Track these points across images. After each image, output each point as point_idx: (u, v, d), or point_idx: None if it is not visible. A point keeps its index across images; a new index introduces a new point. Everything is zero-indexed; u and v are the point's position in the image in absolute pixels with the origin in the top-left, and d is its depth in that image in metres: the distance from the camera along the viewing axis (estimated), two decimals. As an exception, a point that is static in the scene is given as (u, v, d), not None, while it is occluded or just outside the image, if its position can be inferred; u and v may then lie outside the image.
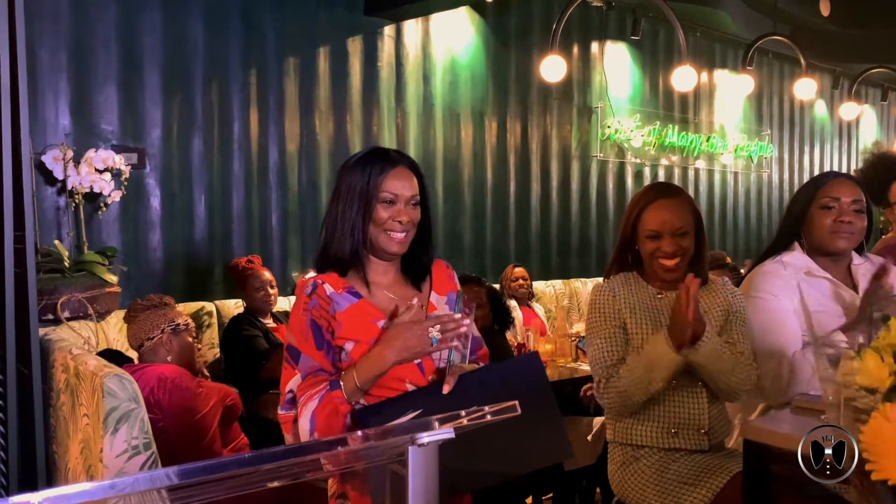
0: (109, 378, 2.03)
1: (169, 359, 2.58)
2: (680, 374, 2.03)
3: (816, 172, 8.25)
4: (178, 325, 2.62)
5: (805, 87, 6.17)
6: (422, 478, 1.02)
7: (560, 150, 5.92)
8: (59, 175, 3.37)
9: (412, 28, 4.97)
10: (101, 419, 2.02)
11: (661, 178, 6.71)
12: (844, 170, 8.72)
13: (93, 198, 3.53)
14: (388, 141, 4.85)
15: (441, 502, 1.03)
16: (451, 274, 1.80)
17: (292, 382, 1.57)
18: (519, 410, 1.06)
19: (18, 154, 2.37)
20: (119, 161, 3.48)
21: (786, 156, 8.11)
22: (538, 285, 5.33)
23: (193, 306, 3.88)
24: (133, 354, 2.76)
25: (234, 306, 3.99)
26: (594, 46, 6.11)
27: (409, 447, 0.99)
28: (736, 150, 7.35)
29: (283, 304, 4.01)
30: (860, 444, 1.01)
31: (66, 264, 3.21)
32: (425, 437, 0.99)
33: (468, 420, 1.02)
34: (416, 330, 1.52)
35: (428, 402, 1.48)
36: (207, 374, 3.06)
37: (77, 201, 3.42)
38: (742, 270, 5.56)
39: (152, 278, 3.90)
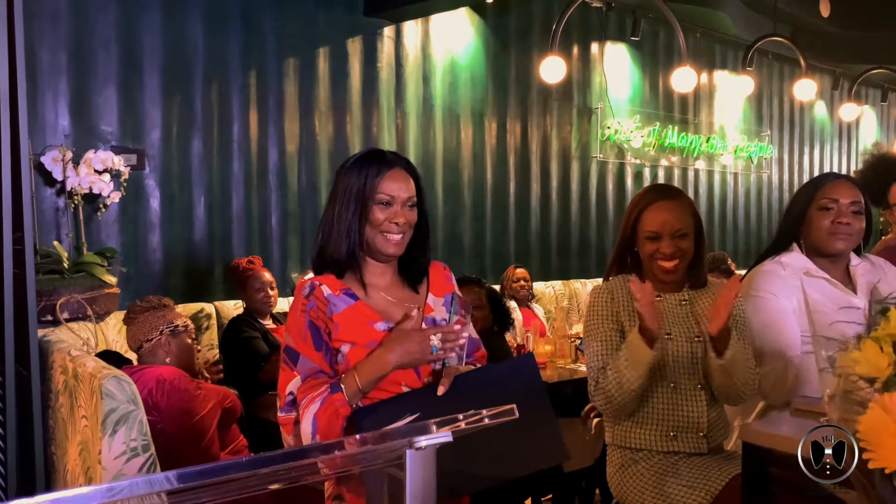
0: (108, 380, 2.03)
1: (168, 360, 2.57)
2: (678, 376, 2.03)
3: (816, 173, 8.27)
4: (177, 326, 2.62)
5: (805, 88, 6.17)
6: (419, 481, 1.02)
7: (560, 150, 5.92)
8: (58, 176, 3.37)
9: (412, 29, 4.97)
10: (99, 421, 2.02)
11: (661, 178, 6.71)
12: (844, 171, 8.72)
13: (92, 199, 3.53)
14: (387, 142, 4.85)
15: None
16: (448, 276, 1.80)
17: (292, 384, 1.57)
18: (517, 414, 1.06)
19: (17, 155, 2.37)
20: (118, 162, 3.48)
21: (786, 157, 8.11)
22: (538, 286, 5.33)
23: (192, 308, 3.88)
24: (132, 356, 2.75)
25: (233, 307, 3.99)
26: (594, 47, 6.11)
27: (407, 451, 1.00)
28: (736, 151, 7.35)
29: (283, 304, 4.00)
30: (857, 434, 1.02)
31: (66, 265, 3.21)
32: (423, 441, 0.99)
33: (466, 424, 1.02)
34: (417, 336, 1.53)
35: (423, 404, 1.48)
36: (207, 376, 3.06)
37: (76, 202, 3.42)
38: (739, 271, 5.56)
39: (151, 279, 3.90)
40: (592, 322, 2.12)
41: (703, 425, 2.04)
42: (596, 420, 3.08)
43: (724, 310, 1.85)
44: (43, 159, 3.36)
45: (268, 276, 3.82)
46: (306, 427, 1.52)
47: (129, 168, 3.61)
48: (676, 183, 6.82)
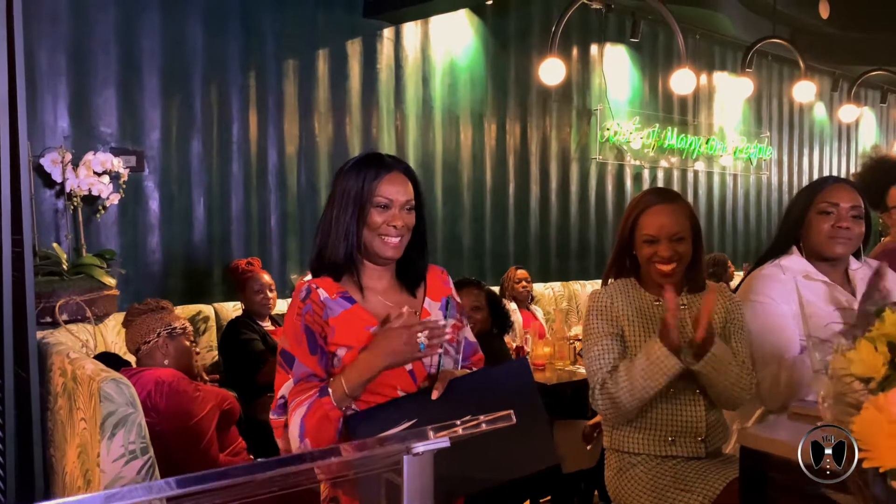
0: (107, 382, 2.03)
1: (166, 362, 2.57)
2: (678, 381, 2.03)
3: (816, 175, 8.29)
4: (175, 328, 2.62)
5: (804, 90, 6.17)
6: (417, 486, 1.02)
7: (559, 152, 5.92)
8: (57, 178, 3.37)
9: (411, 30, 4.97)
10: (98, 424, 2.02)
11: (661, 180, 6.71)
12: (843, 172, 8.73)
13: (91, 200, 3.53)
14: (387, 143, 4.85)
15: None
16: (445, 279, 1.80)
17: (284, 388, 1.58)
18: (514, 420, 1.06)
19: (17, 157, 2.37)
20: (117, 164, 3.48)
21: (785, 158, 8.11)
22: (537, 287, 5.33)
23: (191, 309, 3.88)
24: (131, 358, 2.75)
25: (232, 309, 3.99)
26: (593, 49, 6.12)
27: (405, 456, 1.00)
28: (735, 153, 7.36)
29: (282, 306, 4.00)
30: (852, 435, 1.02)
31: (65, 267, 3.21)
32: (421, 447, 0.99)
33: (463, 430, 1.02)
34: (403, 335, 1.50)
35: (418, 408, 1.49)
36: (207, 378, 3.06)
37: (75, 204, 3.42)
38: (738, 273, 5.56)
39: (151, 281, 3.90)
40: (592, 326, 2.12)
41: (702, 430, 2.04)
42: (595, 420, 3.08)
43: (704, 318, 1.86)
44: (42, 161, 3.36)
45: (267, 277, 3.83)
46: (293, 430, 1.53)
47: (128, 170, 3.61)
48: (676, 184, 6.83)
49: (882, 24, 6.98)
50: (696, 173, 7.03)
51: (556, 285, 5.68)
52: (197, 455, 2.40)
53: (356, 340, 1.59)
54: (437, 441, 1.00)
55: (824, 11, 6.92)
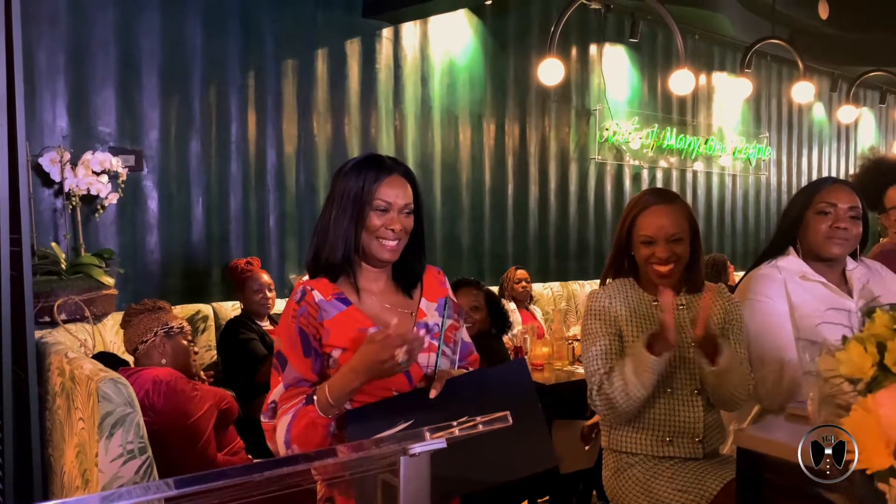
0: (105, 382, 2.03)
1: (163, 362, 2.57)
2: (675, 382, 2.03)
3: (814, 175, 8.29)
4: (172, 328, 2.62)
5: (803, 91, 6.17)
6: (414, 487, 1.03)
7: (558, 152, 5.92)
8: (56, 177, 3.37)
9: (410, 30, 4.97)
10: (96, 423, 2.02)
11: (660, 180, 6.72)
12: (842, 173, 8.74)
13: (90, 200, 3.53)
14: (385, 143, 4.85)
15: None
16: (442, 280, 1.80)
17: (276, 393, 1.59)
18: (511, 421, 1.06)
19: (15, 156, 2.37)
20: (116, 163, 3.48)
21: (784, 158, 8.12)
22: (536, 287, 5.33)
23: (190, 309, 3.88)
24: (130, 358, 2.76)
25: (231, 308, 4.00)
26: (592, 49, 6.12)
27: (402, 457, 1.00)
28: (734, 153, 7.36)
29: (281, 306, 4.01)
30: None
31: (63, 267, 3.21)
32: (417, 448, 1.00)
33: (460, 430, 1.02)
34: (381, 352, 1.46)
35: (414, 407, 1.49)
36: (205, 378, 3.06)
37: (74, 203, 3.42)
38: (737, 274, 5.56)
39: (149, 280, 3.90)
40: (590, 326, 2.12)
41: (699, 430, 2.04)
42: (594, 420, 3.09)
43: (701, 317, 1.86)
44: (41, 160, 3.36)
45: (266, 277, 3.83)
46: (279, 435, 1.55)
47: (126, 169, 3.60)
48: (675, 184, 6.83)
49: (881, 25, 6.98)
50: (695, 173, 7.04)
51: (555, 285, 5.69)
52: (195, 454, 2.40)
53: (351, 342, 1.59)
54: (434, 442, 1.01)
55: (823, 12, 6.92)
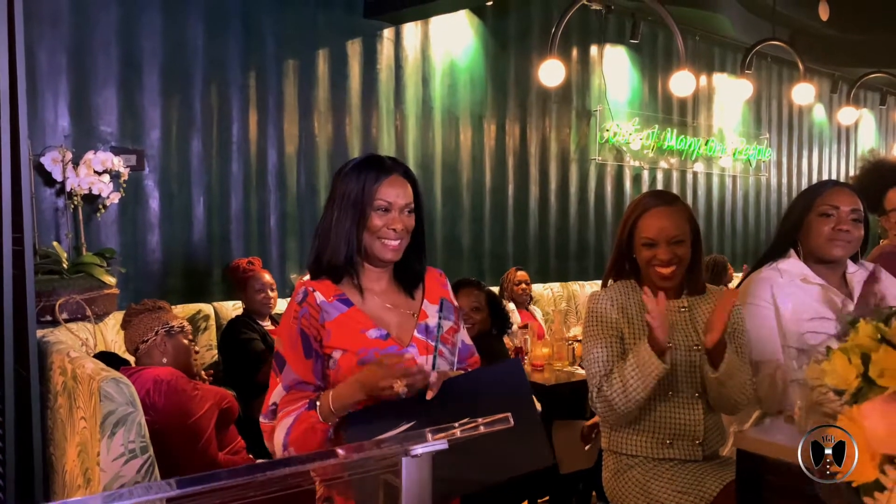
0: (107, 382, 2.03)
1: (164, 361, 2.58)
2: (676, 385, 2.03)
3: (815, 176, 8.29)
4: (172, 327, 2.63)
5: (803, 92, 6.17)
6: (415, 488, 1.03)
7: (559, 153, 5.93)
8: (57, 177, 3.37)
9: (411, 31, 4.98)
10: (98, 423, 2.02)
11: (660, 181, 6.72)
12: (842, 174, 8.75)
13: (91, 199, 3.54)
14: (386, 143, 4.85)
15: None
16: (444, 282, 1.81)
17: (276, 394, 1.60)
18: (511, 423, 1.07)
19: (17, 156, 2.38)
20: (118, 163, 3.49)
21: (784, 159, 8.12)
22: (536, 288, 5.34)
23: (191, 308, 3.89)
24: (131, 359, 2.76)
25: (232, 308, 4.00)
26: (593, 50, 6.12)
27: (403, 458, 1.01)
28: (734, 154, 7.37)
29: (282, 306, 4.01)
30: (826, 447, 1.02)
31: (65, 266, 3.22)
32: (419, 449, 1.00)
33: (461, 432, 1.03)
34: (384, 380, 1.47)
35: (412, 409, 1.50)
36: (206, 377, 3.06)
37: (76, 203, 3.43)
38: (736, 275, 5.56)
39: (150, 280, 3.91)
40: (592, 328, 2.12)
41: (700, 433, 2.04)
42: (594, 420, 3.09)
43: (719, 322, 1.87)
44: (43, 160, 3.36)
45: (268, 277, 3.83)
46: (278, 437, 1.56)
47: (128, 169, 3.61)
48: (675, 185, 6.84)
49: (882, 26, 6.99)
50: (695, 174, 7.04)
51: (555, 286, 5.69)
52: (196, 453, 2.41)
53: (351, 344, 1.60)
54: (435, 443, 1.01)
55: (824, 13, 6.93)
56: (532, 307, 5.02)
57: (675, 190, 6.75)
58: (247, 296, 3.79)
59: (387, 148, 4.84)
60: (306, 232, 4.47)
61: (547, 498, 3.52)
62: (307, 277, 1.70)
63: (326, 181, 4.52)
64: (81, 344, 2.95)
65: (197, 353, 2.81)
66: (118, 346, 3.20)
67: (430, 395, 1.54)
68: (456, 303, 1.82)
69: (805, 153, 8.40)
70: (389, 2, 4.63)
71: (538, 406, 2.97)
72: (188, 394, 2.44)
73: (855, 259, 2.30)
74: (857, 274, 2.26)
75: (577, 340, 4.05)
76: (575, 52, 5.97)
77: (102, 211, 3.60)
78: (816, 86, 7.16)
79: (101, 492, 2.00)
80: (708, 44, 6.96)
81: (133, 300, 3.34)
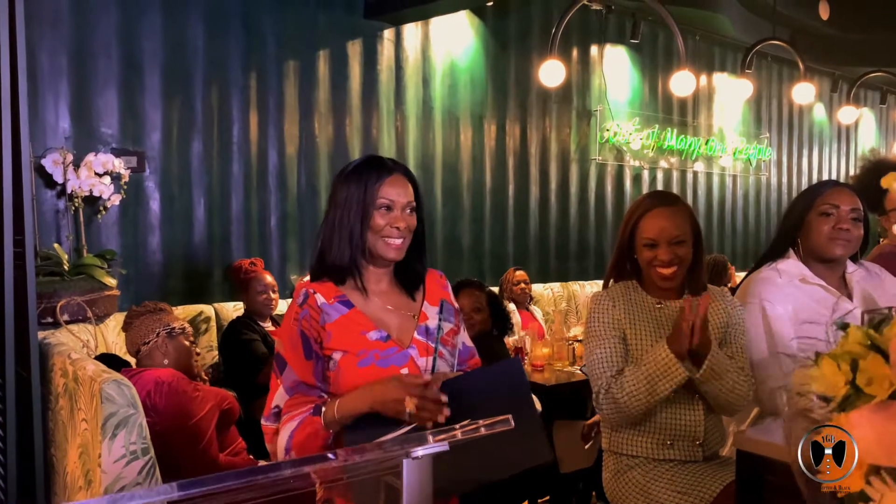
0: (108, 384, 2.04)
1: (165, 362, 2.58)
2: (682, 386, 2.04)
3: (815, 175, 8.29)
4: (174, 328, 2.63)
5: (803, 92, 6.17)
6: (416, 489, 1.04)
7: (559, 153, 5.93)
8: (58, 179, 3.38)
9: (412, 32, 4.98)
10: (99, 424, 2.03)
11: (660, 180, 6.72)
12: (842, 173, 8.75)
13: (92, 201, 3.54)
14: (387, 144, 4.86)
15: None
16: (444, 284, 1.81)
17: (278, 397, 1.61)
18: (512, 424, 1.07)
19: (18, 157, 2.38)
20: (118, 165, 3.49)
21: (784, 159, 8.12)
22: (536, 288, 5.34)
23: (192, 310, 3.89)
24: (132, 360, 2.77)
25: (233, 309, 4.00)
26: (593, 50, 6.13)
27: (404, 460, 1.01)
28: (735, 153, 7.37)
29: (283, 306, 4.02)
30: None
31: (66, 267, 3.22)
32: (420, 451, 1.01)
33: (462, 434, 1.04)
34: (396, 394, 1.48)
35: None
36: (206, 379, 3.07)
37: (76, 205, 3.43)
38: (737, 275, 5.56)
39: (151, 281, 3.91)
40: (594, 329, 2.13)
41: (700, 434, 2.05)
42: (591, 420, 3.10)
43: (697, 327, 1.87)
44: (44, 162, 3.37)
45: (270, 278, 3.84)
46: (281, 440, 1.57)
47: (129, 170, 3.61)
48: (675, 185, 6.84)
49: (882, 25, 6.99)
50: (695, 174, 7.05)
51: (556, 286, 5.70)
52: (197, 455, 2.41)
53: (351, 345, 1.60)
54: (436, 445, 1.02)
55: (824, 12, 6.93)
56: (532, 307, 5.02)
57: (675, 189, 6.76)
58: (248, 297, 3.80)
59: (387, 148, 4.84)
60: (307, 233, 4.48)
61: (547, 497, 3.52)
62: (307, 278, 1.71)
63: (327, 182, 4.53)
64: (82, 345, 2.96)
65: (198, 354, 2.81)
66: (119, 347, 3.21)
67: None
68: (456, 304, 1.82)
69: (805, 152, 8.40)
70: (390, 2, 4.63)
71: (538, 405, 2.98)
72: (189, 395, 2.44)
73: (854, 259, 2.30)
74: (856, 273, 2.27)
75: (578, 340, 4.06)
76: (575, 52, 5.97)
77: (103, 213, 3.61)
78: (816, 85, 7.16)
79: (102, 493, 2.00)
80: (708, 43, 6.97)
81: (134, 302, 3.35)
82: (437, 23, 5.08)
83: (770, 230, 7.66)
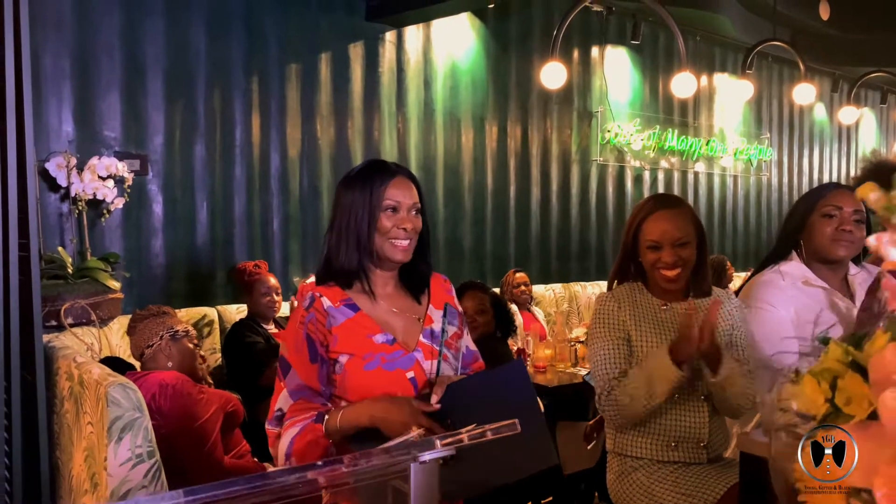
0: (114, 387, 2.05)
1: (170, 365, 2.59)
2: (681, 388, 2.04)
3: (816, 176, 8.30)
4: (177, 331, 2.64)
5: (804, 92, 6.17)
6: (423, 493, 1.04)
7: (560, 154, 5.94)
8: (62, 182, 3.38)
9: (413, 34, 4.99)
10: (105, 428, 2.04)
11: (661, 181, 6.73)
12: (843, 174, 8.76)
13: (96, 204, 3.55)
14: (388, 146, 4.87)
15: None
16: (448, 287, 1.82)
17: (282, 400, 1.61)
18: (519, 429, 1.08)
19: (23, 161, 2.38)
20: (122, 168, 3.50)
21: (785, 159, 8.13)
22: (538, 289, 5.35)
23: (195, 312, 3.90)
24: (137, 363, 2.77)
25: (236, 311, 4.01)
26: (594, 51, 6.14)
27: (412, 465, 1.02)
28: (735, 154, 7.38)
29: (286, 308, 4.03)
30: (794, 475, 1.00)
31: (70, 271, 3.23)
32: (427, 455, 1.01)
33: (469, 438, 1.04)
34: (409, 417, 1.48)
35: None
36: (211, 381, 3.07)
37: (80, 208, 3.44)
38: (737, 275, 5.57)
39: (154, 284, 3.92)
40: (599, 331, 2.13)
41: (705, 436, 2.05)
42: (594, 421, 3.10)
43: (706, 329, 1.87)
44: (47, 165, 3.37)
45: (273, 281, 3.85)
46: (282, 446, 1.57)
47: (132, 174, 3.62)
48: (676, 186, 6.85)
49: (882, 25, 6.99)
50: (696, 175, 7.05)
51: (557, 287, 5.70)
52: (202, 457, 2.42)
53: (358, 348, 1.61)
54: (443, 450, 1.03)
55: (824, 13, 6.94)
56: (534, 308, 5.03)
57: (676, 190, 6.77)
58: (252, 299, 3.81)
59: (389, 150, 4.85)
60: (309, 235, 4.49)
61: (550, 499, 3.53)
62: (310, 280, 1.71)
63: (329, 184, 4.54)
64: (87, 349, 2.97)
65: (204, 359, 2.82)
66: (123, 350, 3.22)
67: (434, 399, 1.55)
68: (460, 308, 1.83)
69: (806, 153, 8.40)
70: (391, 5, 4.64)
71: (541, 406, 2.99)
72: (194, 397, 2.45)
73: (857, 261, 2.31)
74: (858, 276, 2.27)
75: (580, 341, 4.07)
76: (576, 54, 5.98)
77: (107, 216, 3.62)
78: (817, 85, 7.16)
79: (108, 496, 2.01)
80: (709, 44, 6.97)
81: (137, 304, 3.36)
82: (439, 25, 5.09)
83: (771, 230, 7.67)
